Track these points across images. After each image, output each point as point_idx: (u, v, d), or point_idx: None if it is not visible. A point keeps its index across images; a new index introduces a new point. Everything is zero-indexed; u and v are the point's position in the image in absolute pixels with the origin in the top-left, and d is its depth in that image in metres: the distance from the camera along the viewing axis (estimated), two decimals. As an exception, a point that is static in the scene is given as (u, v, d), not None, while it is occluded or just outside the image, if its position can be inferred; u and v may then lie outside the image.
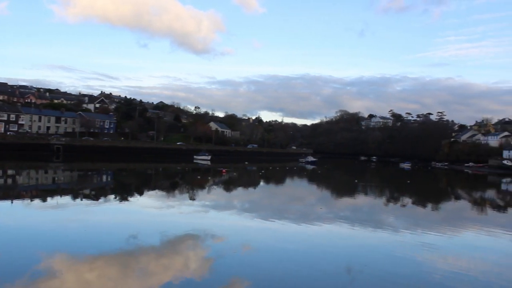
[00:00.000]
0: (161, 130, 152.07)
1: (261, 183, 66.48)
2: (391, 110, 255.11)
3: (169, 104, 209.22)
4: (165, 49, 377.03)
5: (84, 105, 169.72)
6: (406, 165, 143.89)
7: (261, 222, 29.58)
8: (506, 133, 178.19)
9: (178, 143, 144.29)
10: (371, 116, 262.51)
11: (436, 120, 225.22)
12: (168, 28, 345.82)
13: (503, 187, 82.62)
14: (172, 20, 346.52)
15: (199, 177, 67.79)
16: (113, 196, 41.33)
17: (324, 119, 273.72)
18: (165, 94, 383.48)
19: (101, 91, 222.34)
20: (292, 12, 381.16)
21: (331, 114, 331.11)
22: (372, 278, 17.97)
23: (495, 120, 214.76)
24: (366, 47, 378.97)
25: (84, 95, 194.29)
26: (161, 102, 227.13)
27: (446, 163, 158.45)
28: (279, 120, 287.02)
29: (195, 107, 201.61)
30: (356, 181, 72.07)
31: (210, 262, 19.14)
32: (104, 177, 63.37)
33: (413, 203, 49.41)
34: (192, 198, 41.73)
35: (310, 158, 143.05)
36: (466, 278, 18.62)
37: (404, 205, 46.18)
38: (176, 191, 48.17)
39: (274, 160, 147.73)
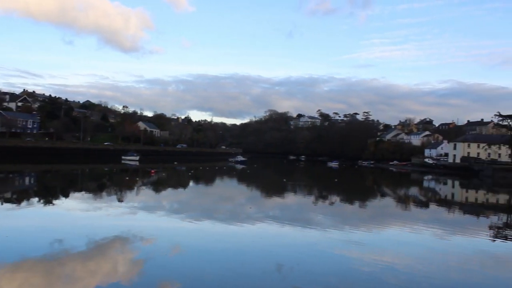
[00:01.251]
0: (87, 130, 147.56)
1: (191, 183, 65.95)
2: (319, 110, 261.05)
3: (96, 103, 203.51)
4: (91, 47, 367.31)
5: (5, 104, 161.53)
6: (334, 164, 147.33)
7: (190, 222, 29.26)
8: (427, 133, 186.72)
9: (105, 143, 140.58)
10: (299, 115, 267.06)
11: (362, 119, 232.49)
12: (95, 24, 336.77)
13: (425, 184, 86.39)
14: (99, 16, 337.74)
15: (127, 178, 66.31)
16: (36, 199, 39.56)
17: (254, 119, 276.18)
18: (92, 93, 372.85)
19: (24, 89, 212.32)
20: (221, 12, 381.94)
21: (260, 113, 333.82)
22: (302, 275, 18.18)
23: (417, 120, 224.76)
24: (295, 48, 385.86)
25: (5, 93, 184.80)
26: (87, 101, 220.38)
27: (372, 162, 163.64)
28: (209, 119, 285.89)
29: (123, 107, 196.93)
30: (284, 180, 72.96)
31: (139, 265, 18.69)
32: (27, 179, 60.59)
33: (341, 201, 50.65)
34: (120, 200, 40.67)
35: (240, 158, 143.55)
36: (392, 272, 19.26)
37: (332, 203, 47.24)
38: (104, 193, 46.80)
39: (204, 160, 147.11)
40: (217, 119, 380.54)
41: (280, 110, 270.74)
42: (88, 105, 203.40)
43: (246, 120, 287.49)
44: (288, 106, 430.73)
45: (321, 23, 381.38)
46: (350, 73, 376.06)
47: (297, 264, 19.87)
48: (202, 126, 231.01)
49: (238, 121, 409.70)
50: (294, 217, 34.85)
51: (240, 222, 30.33)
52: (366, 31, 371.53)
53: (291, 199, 48.81)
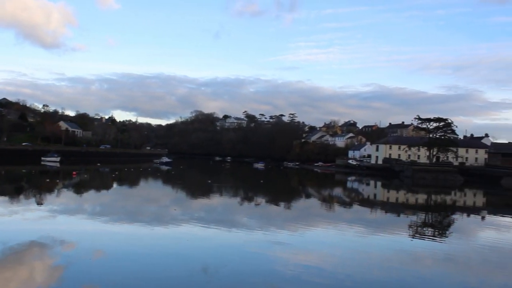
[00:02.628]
0: (4, 130, 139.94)
1: (114, 185, 64.26)
2: (245, 111, 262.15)
3: (14, 101, 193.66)
4: (9, 41, 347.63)
5: None
6: (260, 165, 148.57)
7: (113, 226, 28.45)
8: (351, 135, 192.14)
9: (23, 144, 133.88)
10: (226, 116, 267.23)
11: (288, 121, 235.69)
12: (13, 18, 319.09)
13: (349, 184, 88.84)
14: (17, 9, 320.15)
15: (47, 180, 63.50)
16: None
17: (179, 120, 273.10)
18: (8, 90, 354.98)
19: None
20: (147, 10, 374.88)
21: (186, 114, 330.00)
22: (227, 277, 18.09)
23: (341, 122, 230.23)
24: (221, 48, 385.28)
25: None
26: (4, 99, 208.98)
27: (297, 163, 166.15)
28: (133, 120, 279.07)
29: (43, 105, 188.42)
30: (209, 181, 72.65)
31: (60, 271, 17.89)
32: None
33: (267, 202, 51.01)
34: (39, 203, 38.90)
35: (165, 159, 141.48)
36: (316, 271, 19.58)
37: (258, 204, 47.49)
38: (21, 196, 44.58)
39: (128, 161, 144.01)
40: (142, 120, 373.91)
41: (206, 111, 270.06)
42: (4, 103, 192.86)
43: (171, 121, 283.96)
44: (214, 107, 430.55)
45: (248, 25, 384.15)
46: (276, 75, 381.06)
47: (224, 265, 19.78)
48: (127, 126, 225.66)
49: (163, 122, 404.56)
50: (219, 218, 34.71)
51: (165, 224, 29.85)
52: (293, 34, 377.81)
53: (217, 201, 48.63)
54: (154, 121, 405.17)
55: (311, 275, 18.97)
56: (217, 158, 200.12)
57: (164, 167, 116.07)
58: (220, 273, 18.66)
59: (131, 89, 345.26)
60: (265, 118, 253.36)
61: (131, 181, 71.57)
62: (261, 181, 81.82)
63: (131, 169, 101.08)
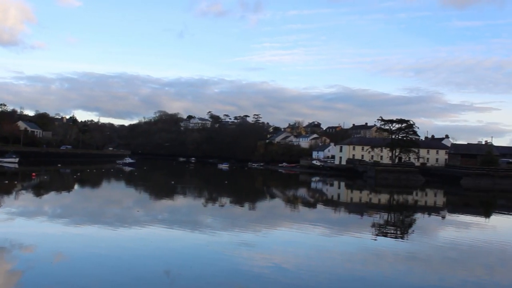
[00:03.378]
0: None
1: (76, 186, 63.02)
2: (209, 112, 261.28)
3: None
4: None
5: None
6: (224, 166, 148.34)
7: (75, 228, 27.83)
8: (315, 135, 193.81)
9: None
10: (190, 117, 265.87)
11: (253, 122, 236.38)
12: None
13: (313, 185, 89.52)
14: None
15: (6, 181, 61.70)
16: None
17: (143, 120, 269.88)
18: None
19: None
20: (109, 8, 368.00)
21: (149, 114, 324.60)
22: (191, 279, 17.91)
23: (305, 123, 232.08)
24: (185, 48, 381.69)
25: None
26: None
27: (262, 163, 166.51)
28: (95, 120, 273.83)
29: (1, 104, 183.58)
30: (173, 182, 72.03)
31: (18, 276, 17.35)
32: None
33: (231, 202, 50.89)
34: (-5, 205, 37.78)
35: (128, 160, 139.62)
36: (281, 271, 19.59)
37: (222, 205, 47.32)
38: (-24, 198, 43.19)
39: (90, 162, 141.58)
40: (104, 120, 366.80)
41: (170, 111, 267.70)
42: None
43: (135, 121, 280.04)
44: (178, 107, 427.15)
45: (213, 25, 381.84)
46: (240, 76, 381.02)
47: (189, 267, 19.60)
48: (88, 126, 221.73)
49: (126, 122, 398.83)
50: (183, 219, 34.45)
51: (128, 226, 29.38)
52: (257, 34, 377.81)
53: (181, 202, 48.26)
54: (116, 121, 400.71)
55: (275, 275, 18.96)
56: (181, 159, 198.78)
57: (127, 168, 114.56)
58: (184, 275, 18.47)
59: (93, 89, 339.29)
60: (230, 118, 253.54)
61: (93, 182, 70.29)
62: (226, 182, 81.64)
63: (93, 170, 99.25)
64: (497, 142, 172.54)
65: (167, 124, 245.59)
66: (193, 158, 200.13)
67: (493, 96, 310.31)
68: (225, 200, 52.76)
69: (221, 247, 24.22)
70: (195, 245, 24.56)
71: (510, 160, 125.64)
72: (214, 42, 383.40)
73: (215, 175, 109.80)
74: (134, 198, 50.88)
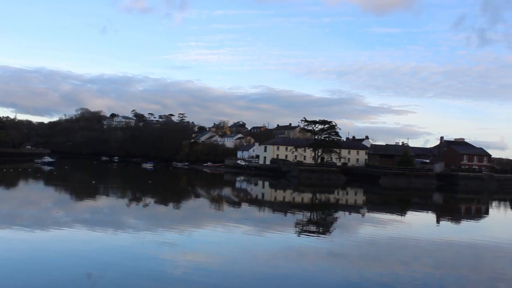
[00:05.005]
0: None
1: (-10, 186, 59.83)
2: (133, 110, 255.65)
3: None
4: None
5: None
6: (148, 165, 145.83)
7: (-12, 230, 26.47)
8: (240, 135, 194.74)
9: None
10: (113, 115, 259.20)
11: (178, 121, 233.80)
12: None
13: (237, 184, 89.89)
14: None
15: None
16: None
17: (64, 117, 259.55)
18: None
19: None
20: (28, 0, 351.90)
21: (71, 112, 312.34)
22: (113, 281, 17.54)
23: (230, 123, 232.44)
24: (108, 44, 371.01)
25: None
26: None
27: (186, 163, 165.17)
28: (12, 116, 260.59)
29: None
30: (93, 182, 69.99)
31: None
32: None
33: (155, 202, 50.22)
34: None
35: (47, 159, 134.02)
36: (205, 272, 19.59)
37: (146, 205, 46.58)
38: None
39: (6, 161, 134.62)
40: (21, 116, 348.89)
41: (93, 108, 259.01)
42: None
43: (55, 119, 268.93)
44: (101, 105, 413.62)
45: (137, 21, 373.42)
46: (165, 74, 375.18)
47: (111, 269, 19.17)
48: (4, 123, 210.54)
49: (46, 119, 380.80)
50: (105, 220, 33.64)
51: (47, 227, 28.26)
52: (183, 33, 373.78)
53: (103, 202, 47.03)
54: (35, 119, 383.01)
55: (200, 275, 18.95)
56: (104, 158, 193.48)
57: (46, 168, 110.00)
58: (107, 277, 18.06)
59: (9, 83, 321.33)
60: (154, 117, 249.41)
61: (9, 182, 66.88)
62: (150, 182, 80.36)
63: (9, 170, 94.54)
64: (413, 143, 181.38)
65: (89, 122, 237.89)
66: (116, 158, 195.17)
67: (409, 100, 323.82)
68: (149, 200, 51.97)
69: (145, 247, 23.88)
70: (118, 246, 24.05)
71: (424, 160, 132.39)
72: (138, 39, 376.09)
73: (139, 174, 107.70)
74: (53, 198, 48.94)
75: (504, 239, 33.43)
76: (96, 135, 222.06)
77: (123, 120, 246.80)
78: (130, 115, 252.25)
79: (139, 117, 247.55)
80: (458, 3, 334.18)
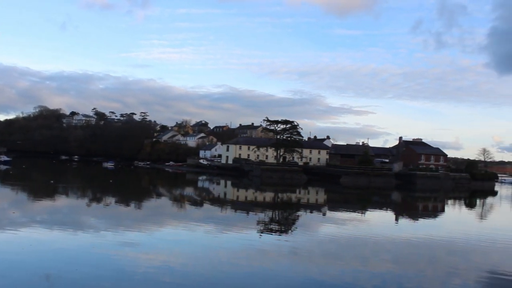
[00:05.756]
0: None
1: None
2: (94, 108, 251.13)
3: None
4: None
5: None
6: (109, 165, 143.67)
7: None
8: (202, 135, 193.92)
9: None
10: (73, 113, 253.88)
11: (139, 120, 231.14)
12: None
13: (200, 184, 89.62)
14: None
15: None
16: None
17: (21, 115, 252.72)
18: None
19: None
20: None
21: (28, 109, 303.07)
22: (73, 282, 17.29)
23: (193, 122, 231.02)
24: (68, 41, 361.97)
25: None
26: None
27: (148, 162, 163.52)
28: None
29: None
30: (52, 181, 68.46)
31: None
32: None
33: (116, 202, 49.60)
34: None
35: (3, 158, 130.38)
36: (167, 271, 19.53)
37: (107, 205, 45.97)
38: None
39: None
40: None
41: (52, 106, 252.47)
42: None
43: (11, 116, 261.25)
44: (60, 102, 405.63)
45: (98, 18, 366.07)
46: (127, 72, 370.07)
47: (71, 270, 18.86)
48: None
49: (2, 117, 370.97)
50: (65, 220, 33.04)
51: (2, 228, 27.52)
52: (145, 31, 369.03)
53: (62, 202, 46.17)
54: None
55: (161, 275, 18.88)
56: (63, 157, 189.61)
57: (2, 167, 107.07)
58: (66, 278, 17.77)
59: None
60: (116, 116, 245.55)
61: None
62: (111, 181, 79.23)
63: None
64: (373, 143, 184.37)
65: (48, 120, 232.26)
66: (76, 157, 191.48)
67: (369, 101, 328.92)
68: (110, 200, 51.29)
69: (106, 247, 23.60)
70: (78, 247, 23.66)
71: (384, 160, 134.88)
72: (99, 36, 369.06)
73: (99, 174, 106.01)
74: (9, 199, 47.65)
75: (458, 235, 34.45)
76: (55, 134, 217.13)
77: (84, 118, 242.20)
78: (91, 114, 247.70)
79: (100, 115, 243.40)
80: (416, 7, 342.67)
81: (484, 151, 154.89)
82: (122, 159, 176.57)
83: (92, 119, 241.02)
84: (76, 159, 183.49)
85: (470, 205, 72.30)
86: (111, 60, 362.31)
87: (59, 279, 17.60)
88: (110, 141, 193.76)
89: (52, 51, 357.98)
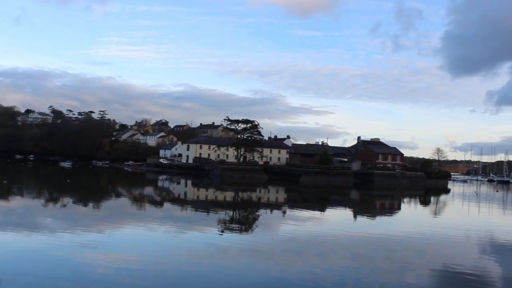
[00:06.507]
0: None
1: None
2: (51, 106, 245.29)
3: None
4: None
5: None
6: (66, 164, 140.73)
7: None
8: (162, 134, 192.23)
9: None
10: (28, 111, 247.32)
11: (98, 118, 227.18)
12: None
13: (160, 183, 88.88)
14: None
15: None
16: None
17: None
18: None
19: None
20: None
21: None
22: (28, 286, 16.95)
23: (153, 121, 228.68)
24: (23, 36, 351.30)
25: None
26: None
27: (107, 162, 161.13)
28: None
29: None
30: (5, 181, 66.40)
31: None
32: None
33: (74, 202, 48.63)
34: None
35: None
36: (126, 272, 19.36)
37: (64, 206, 45.07)
38: None
39: None
40: None
41: (5, 104, 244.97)
42: None
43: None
44: (15, 100, 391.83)
45: (55, 13, 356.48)
46: (85, 69, 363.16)
47: (26, 273, 18.46)
48: None
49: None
50: (19, 222, 32.30)
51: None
52: (104, 27, 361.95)
53: (16, 203, 45.00)
54: None
55: (121, 276, 18.71)
56: (18, 156, 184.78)
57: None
58: (21, 281, 17.39)
59: None
60: (73, 114, 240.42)
61: None
62: (68, 181, 77.66)
63: None
64: (332, 143, 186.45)
65: (1, 118, 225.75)
66: (32, 156, 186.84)
67: (329, 101, 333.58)
68: (67, 200, 50.27)
69: (63, 249, 23.18)
70: (34, 249, 23.13)
71: (343, 159, 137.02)
72: (56, 32, 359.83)
73: (56, 173, 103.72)
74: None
75: (413, 232, 35.34)
76: (9, 132, 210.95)
77: (40, 116, 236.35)
78: (47, 112, 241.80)
79: (56, 113, 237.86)
80: (375, 10, 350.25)
81: (438, 150, 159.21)
82: (80, 159, 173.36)
83: (49, 117, 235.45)
84: (31, 158, 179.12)
85: (425, 202, 74.31)
86: (69, 56, 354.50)
87: (14, 282, 17.21)
88: (67, 140, 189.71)
89: (6, 46, 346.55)
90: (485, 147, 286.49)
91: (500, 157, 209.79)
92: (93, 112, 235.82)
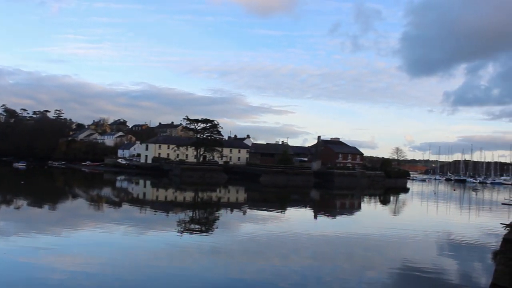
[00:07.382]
0: None
1: None
2: (3, 105, 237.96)
3: None
4: None
5: None
6: (20, 165, 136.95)
7: None
8: (120, 133, 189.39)
9: None
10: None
11: (54, 117, 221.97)
12: None
13: (118, 184, 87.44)
14: None
15: None
16: None
17: None
18: None
19: None
20: None
21: None
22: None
23: (111, 121, 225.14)
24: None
25: None
26: None
27: (63, 162, 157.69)
28: None
29: None
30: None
31: None
32: None
33: (28, 204, 47.30)
34: None
35: None
36: (84, 275, 18.92)
37: (18, 208, 43.75)
38: None
39: None
40: None
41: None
42: None
43: None
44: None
45: (7, 8, 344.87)
46: (39, 67, 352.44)
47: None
48: None
49: None
50: (-28, 224, 31.17)
51: None
52: (60, 24, 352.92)
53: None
54: None
55: (78, 280, 18.25)
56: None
57: None
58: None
59: None
60: (28, 113, 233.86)
61: None
62: (22, 182, 75.48)
63: None
64: (292, 142, 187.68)
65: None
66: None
67: (289, 100, 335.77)
68: (21, 202, 48.85)
69: (16, 253, 22.48)
70: (-15, 252, 22.36)
71: (303, 159, 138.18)
72: (9, 28, 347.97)
73: (9, 174, 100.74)
74: None
75: (373, 231, 35.87)
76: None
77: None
78: (0, 111, 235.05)
79: (10, 112, 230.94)
80: (334, 11, 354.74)
81: (397, 150, 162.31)
82: (35, 159, 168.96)
83: (1, 116, 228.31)
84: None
85: (384, 201, 75.59)
86: (22, 54, 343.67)
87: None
88: (21, 140, 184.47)
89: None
90: (442, 147, 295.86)
91: (457, 156, 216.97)
92: (49, 111, 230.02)
